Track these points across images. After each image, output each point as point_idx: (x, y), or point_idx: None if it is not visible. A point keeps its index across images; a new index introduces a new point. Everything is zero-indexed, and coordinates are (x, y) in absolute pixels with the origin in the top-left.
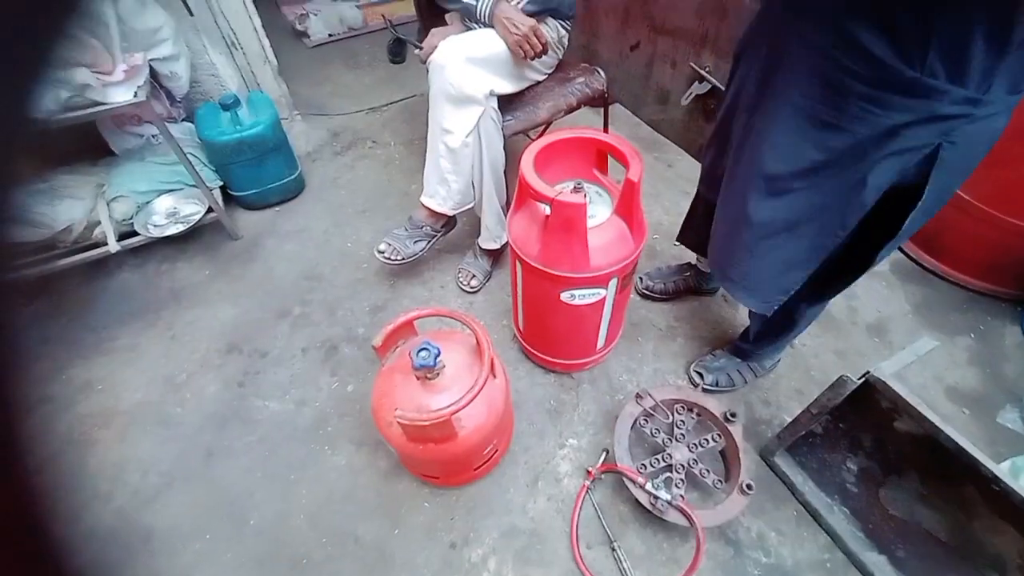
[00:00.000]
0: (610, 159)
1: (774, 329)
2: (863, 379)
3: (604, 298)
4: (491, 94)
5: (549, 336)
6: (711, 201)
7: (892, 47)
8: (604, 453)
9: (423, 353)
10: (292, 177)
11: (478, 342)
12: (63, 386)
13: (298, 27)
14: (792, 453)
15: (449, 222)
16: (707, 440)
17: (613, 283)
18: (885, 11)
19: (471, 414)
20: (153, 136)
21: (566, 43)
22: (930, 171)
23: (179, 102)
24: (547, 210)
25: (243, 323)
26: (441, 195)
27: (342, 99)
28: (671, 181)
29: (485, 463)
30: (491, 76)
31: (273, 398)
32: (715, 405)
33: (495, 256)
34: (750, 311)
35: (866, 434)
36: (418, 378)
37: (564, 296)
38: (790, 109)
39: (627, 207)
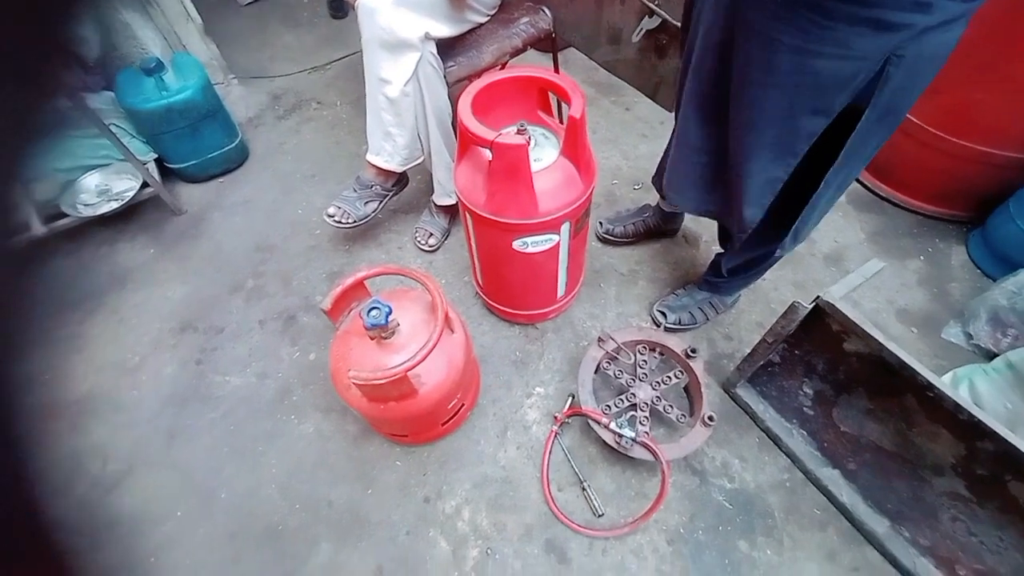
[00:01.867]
0: (560, 102)
1: (753, 262)
2: (813, 304)
3: (558, 244)
4: (427, 37)
5: (508, 288)
6: None
7: None
8: (570, 398)
9: (373, 312)
10: (232, 145)
11: (431, 297)
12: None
13: None
14: (753, 383)
15: (400, 180)
16: (670, 377)
17: (566, 227)
18: None
19: (429, 370)
20: (70, 108)
21: None
22: (873, 91)
23: (94, 69)
24: (489, 154)
25: (195, 300)
26: (387, 151)
27: (282, 61)
28: (629, 124)
29: (452, 418)
30: (425, 18)
31: (233, 373)
32: (676, 343)
33: (452, 212)
34: (724, 246)
35: (819, 358)
36: (372, 339)
37: (516, 244)
38: (752, 37)
39: (573, 146)
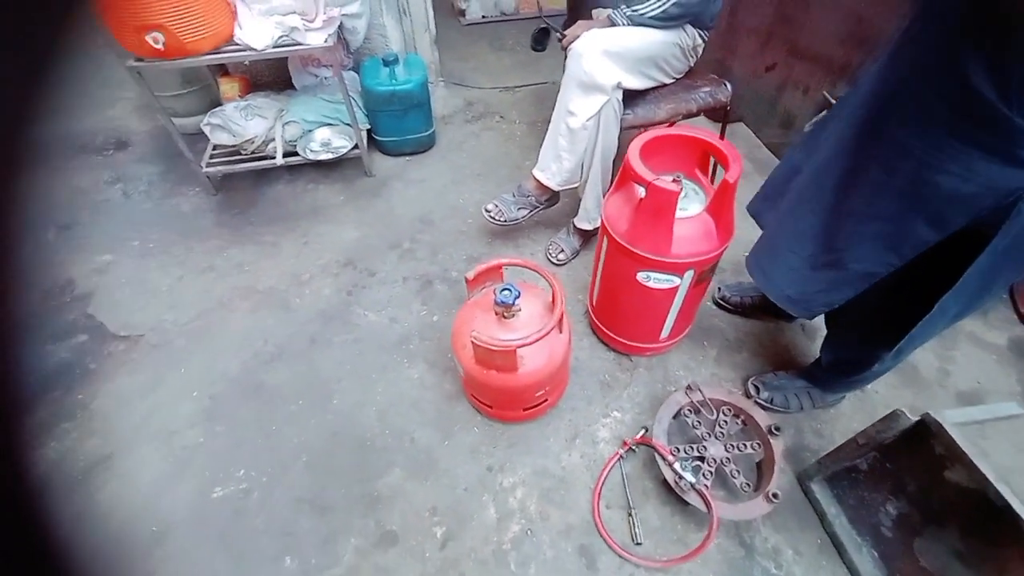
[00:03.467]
0: (717, 165)
1: (843, 366)
2: (919, 418)
3: (677, 287)
4: (618, 86)
5: (618, 314)
6: None
7: (993, 82)
8: (643, 430)
9: (505, 292)
10: (426, 133)
11: (554, 295)
12: (223, 261)
13: (458, 5)
14: (831, 484)
15: (553, 197)
16: (746, 445)
17: (689, 275)
18: (995, 46)
19: (532, 355)
20: (325, 78)
21: (700, 52)
22: (1002, 222)
23: (351, 54)
24: (642, 192)
25: (362, 245)
26: (552, 170)
27: (482, 75)
28: None
29: (534, 407)
30: (621, 70)
31: (372, 310)
32: (762, 417)
33: (586, 237)
34: (824, 341)
35: (912, 478)
36: (497, 313)
37: (640, 276)
38: (885, 142)
39: (719, 206)
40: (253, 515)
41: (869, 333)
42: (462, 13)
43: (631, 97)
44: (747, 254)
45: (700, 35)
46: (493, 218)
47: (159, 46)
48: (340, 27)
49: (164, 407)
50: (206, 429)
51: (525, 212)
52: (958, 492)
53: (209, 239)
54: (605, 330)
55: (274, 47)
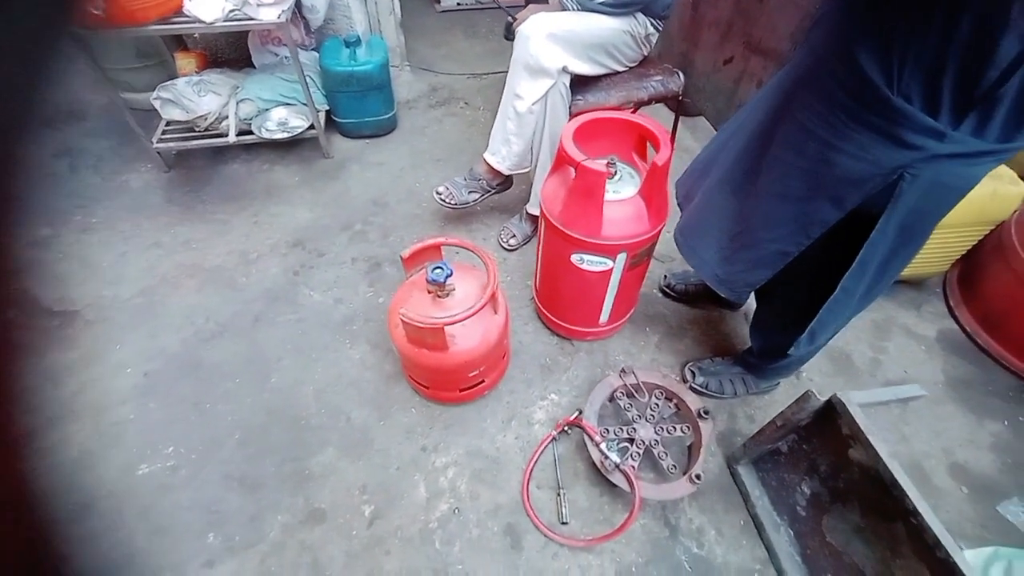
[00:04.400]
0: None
1: (768, 351)
2: (828, 398)
3: (610, 270)
4: (564, 70)
5: (557, 297)
6: None
7: (878, 65)
8: (577, 412)
9: (437, 270)
10: (387, 116)
11: (488, 274)
12: (171, 238)
13: None
14: (756, 466)
15: (505, 181)
16: (675, 428)
17: (621, 257)
18: (877, 30)
19: (464, 335)
20: (285, 57)
21: (653, 41)
22: (888, 202)
23: (312, 33)
24: (574, 174)
25: (313, 226)
26: (502, 154)
27: (451, 62)
28: None
29: (471, 388)
30: (568, 55)
31: (318, 290)
32: (693, 400)
33: (538, 223)
34: (751, 328)
35: (824, 458)
36: (429, 292)
37: (574, 258)
38: (793, 124)
39: (650, 188)
40: (179, 491)
41: (788, 318)
42: (437, 0)
43: (582, 83)
44: (672, 231)
45: (652, 23)
46: (444, 201)
47: (98, 12)
48: (299, 5)
49: (95, 383)
50: (138, 406)
51: (476, 196)
52: (860, 470)
53: (158, 216)
54: (548, 314)
55: (225, 21)
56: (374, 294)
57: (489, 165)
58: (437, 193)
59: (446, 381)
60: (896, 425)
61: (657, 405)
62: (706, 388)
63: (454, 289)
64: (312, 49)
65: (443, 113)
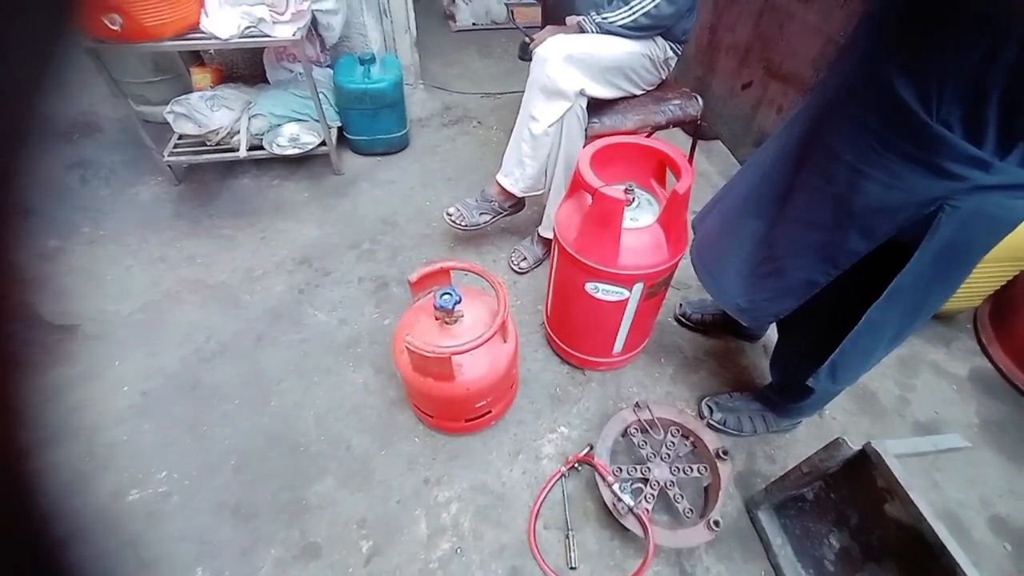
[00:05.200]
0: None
1: (789, 387)
2: (861, 448)
3: (626, 300)
4: (581, 93)
5: (569, 325)
6: None
7: (914, 89)
8: (588, 448)
9: (445, 296)
10: (399, 134)
11: (498, 301)
12: (176, 252)
13: (448, 10)
14: (778, 513)
15: (517, 204)
16: (692, 469)
17: (638, 287)
18: (912, 53)
19: (472, 364)
20: (299, 74)
21: (672, 65)
22: (924, 233)
23: (327, 50)
24: (590, 200)
25: (320, 244)
26: (515, 176)
27: (465, 81)
28: None
29: (477, 418)
30: (585, 77)
31: (323, 310)
32: (711, 439)
33: (550, 246)
34: (771, 361)
35: (855, 511)
36: (437, 319)
37: (588, 287)
38: (822, 148)
39: (669, 217)
40: (169, 519)
41: (809, 350)
42: (452, 18)
43: (598, 106)
44: (690, 255)
45: (672, 48)
46: (454, 222)
47: (116, 27)
48: (315, 23)
49: (91, 402)
50: (133, 427)
51: (488, 217)
52: (897, 527)
53: (165, 230)
54: (559, 342)
55: (240, 38)
56: (380, 315)
57: (502, 187)
58: (448, 214)
59: (451, 411)
60: (927, 471)
61: (673, 443)
62: (724, 425)
63: (462, 316)
64: (327, 66)
65: (456, 132)
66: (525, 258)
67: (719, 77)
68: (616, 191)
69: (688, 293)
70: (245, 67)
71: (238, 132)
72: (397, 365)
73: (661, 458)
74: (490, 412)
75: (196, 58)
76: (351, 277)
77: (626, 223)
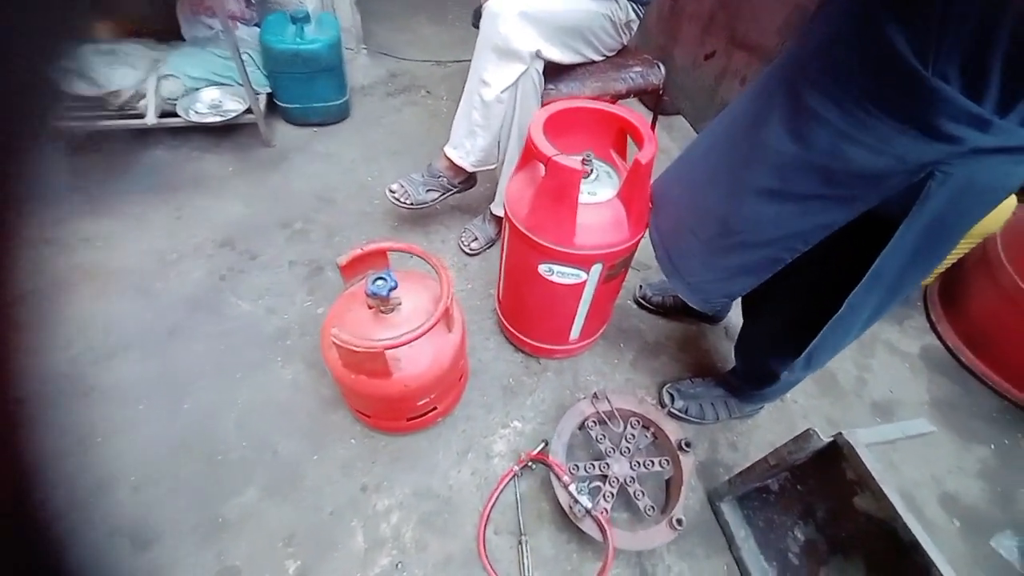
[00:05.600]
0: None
1: (756, 375)
2: (831, 439)
3: (584, 283)
4: (537, 55)
5: (523, 311)
6: None
7: (909, 36)
8: (543, 444)
9: (379, 282)
10: (337, 102)
11: (441, 287)
12: (68, 233)
13: None
14: (741, 504)
15: (468, 179)
16: (653, 463)
17: (596, 269)
18: None
19: (411, 358)
20: (222, 31)
21: (634, 28)
22: (912, 205)
23: (253, 5)
24: (544, 171)
25: (246, 223)
26: (465, 148)
27: (415, 48)
28: None
29: (420, 416)
30: (542, 38)
31: (248, 299)
32: (673, 430)
33: (502, 225)
34: (736, 347)
35: (822, 503)
36: (371, 308)
37: (542, 269)
38: (798, 110)
39: (631, 191)
40: None
41: (778, 338)
42: None
43: (555, 72)
44: (649, 228)
45: (634, 9)
46: (398, 200)
47: None
48: None
49: None
50: None
51: (436, 195)
52: (866, 520)
53: (53, 206)
54: (512, 329)
55: None
56: (313, 303)
57: (450, 160)
58: (390, 191)
59: (391, 410)
60: (885, 452)
61: (633, 436)
62: (685, 413)
63: (400, 303)
64: (255, 25)
65: (402, 102)
66: (476, 238)
67: (681, 47)
68: (572, 161)
69: (648, 275)
70: (156, 21)
71: (144, 95)
72: (326, 361)
73: (621, 452)
74: (435, 409)
75: (101, 13)
76: (280, 261)
77: (583, 198)
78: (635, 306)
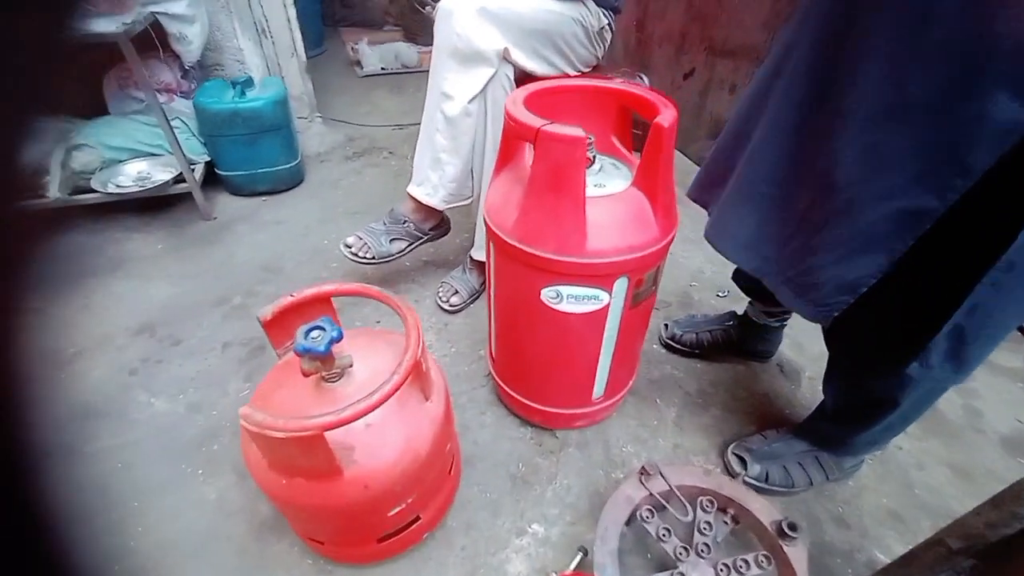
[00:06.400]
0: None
1: (860, 404)
2: None
3: (606, 309)
4: (505, 58)
5: (526, 365)
6: None
7: None
8: (581, 554)
9: (314, 333)
10: (287, 166)
11: (407, 334)
12: None
13: (352, 58)
14: None
15: (440, 224)
16: (747, 563)
17: (620, 286)
18: None
19: (370, 443)
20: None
21: (607, 40)
22: None
23: (190, 73)
24: (530, 160)
25: (173, 305)
26: (432, 182)
27: (374, 116)
28: None
29: (397, 533)
30: (505, 40)
31: (163, 395)
32: (763, 509)
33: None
34: (825, 378)
35: None
36: (306, 375)
37: (547, 296)
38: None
39: (652, 171)
40: None
41: (894, 333)
42: (358, 64)
43: (527, 83)
44: (704, 231)
45: (606, 15)
46: (355, 255)
47: None
48: (161, 31)
49: None
50: None
51: (402, 244)
52: None
53: None
54: (513, 393)
55: None
56: (251, 392)
57: (416, 201)
58: (346, 246)
59: (351, 529)
60: None
61: (708, 525)
62: (766, 480)
63: (350, 365)
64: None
65: (363, 164)
66: (456, 292)
67: (657, 73)
68: (571, 128)
69: (670, 311)
70: (78, 98)
71: (48, 172)
72: (247, 464)
73: (697, 552)
74: (418, 519)
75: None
76: (212, 343)
77: (590, 191)
78: (664, 350)
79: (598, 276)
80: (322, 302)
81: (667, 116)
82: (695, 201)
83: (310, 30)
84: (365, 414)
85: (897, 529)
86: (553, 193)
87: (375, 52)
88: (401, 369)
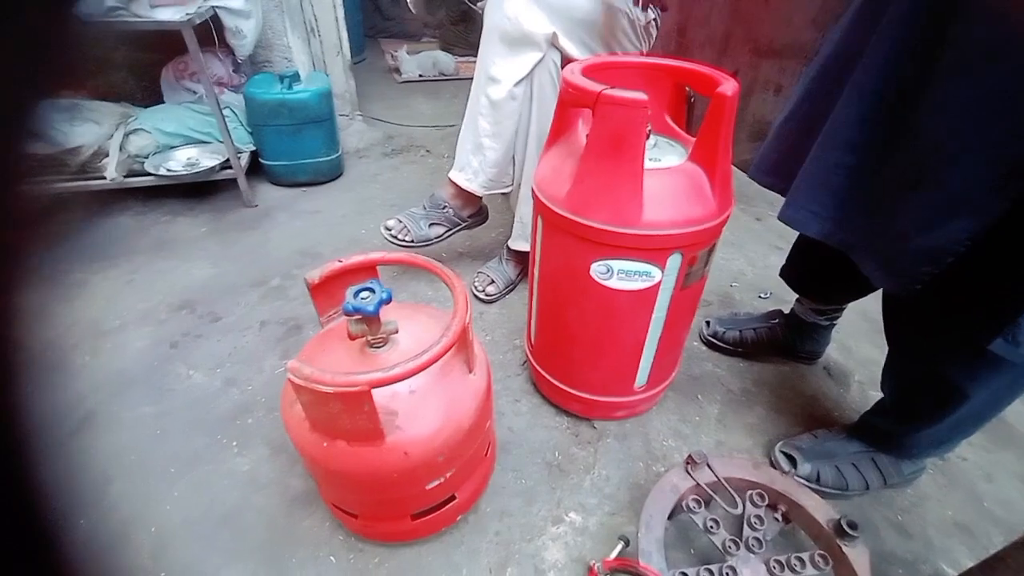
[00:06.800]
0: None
1: (926, 393)
2: None
3: (656, 287)
4: (554, 42)
5: (568, 348)
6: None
7: None
8: (621, 544)
9: (363, 293)
10: (328, 158)
11: (455, 301)
12: None
13: (391, 65)
14: None
15: (478, 212)
16: (801, 562)
17: (674, 263)
18: None
19: (414, 411)
20: (206, 96)
21: (653, 35)
22: None
23: (241, 71)
24: (585, 130)
25: (212, 284)
26: (473, 167)
27: (412, 119)
28: (758, 234)
29: (431, 512)
30: (554, 26)
31: (202, 368)
32: (817, 506)
33: (524, 263)
34: (886, 367)
35: None
36: (354, 338)
37: (596, 271)
38: None
39: (712, 143)
40: None
41: (976, 311)
42: (397, 71)
43: None
44: (779, 214)
45: (653, 10)
46: (395, 237)
47: None
48: (219, 24)
49: None
50: None
51: (440, 230)
52: None
53: None
54: (552, 379)
55: (102, 19)
56: (286, 370)
57: (456, 186)
58: (386, 228)
59: (387, 501)
60: None
61: (759, 519)
62: (817, 481)
63: (395, 332)
64: (242, 92)
65: (400, 161)
66: (492, 281)
67: None
68: (633, 93)
69: (710, 310)
70: (138, 91)
71: (108, 154)
72: (287, 427)
73: (747, 547)
74: (453, 499)
75: (76, 81)
76: (250, 322)
77: (646, 164)
78: (705, 347)
79: (652, 250)
80: (368, 270)
81: (729, 86)
82: (764, 184)
83: (352, 39)
84: (414, 374)
85: (966, 543)
86: (611, 160)
87: (413, 59)
88: (450, 332)
